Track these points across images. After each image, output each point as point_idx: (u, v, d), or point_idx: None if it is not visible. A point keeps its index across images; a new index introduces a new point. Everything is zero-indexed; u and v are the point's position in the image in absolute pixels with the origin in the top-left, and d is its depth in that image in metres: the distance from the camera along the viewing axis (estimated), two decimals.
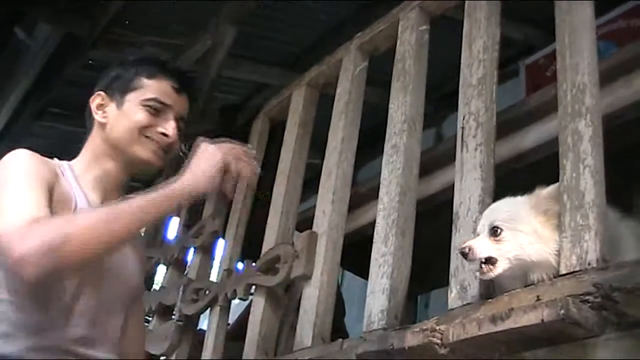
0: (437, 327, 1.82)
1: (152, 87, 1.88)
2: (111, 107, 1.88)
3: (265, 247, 2.96)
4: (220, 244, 3.58)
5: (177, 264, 3.78)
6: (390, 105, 2.58)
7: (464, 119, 2.22)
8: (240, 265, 3.23)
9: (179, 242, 3.82)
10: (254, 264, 2.95)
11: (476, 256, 1.82)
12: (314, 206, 2.87)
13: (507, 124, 2.45)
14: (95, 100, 1.89)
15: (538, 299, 1.69)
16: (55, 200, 1.69)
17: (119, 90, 1.88)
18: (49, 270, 1.49)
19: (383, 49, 2.95)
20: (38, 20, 4.90)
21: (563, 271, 1.71)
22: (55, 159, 1.85)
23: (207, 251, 3.59)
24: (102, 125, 1.88)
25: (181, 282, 3.47)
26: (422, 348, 1.83)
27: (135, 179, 2.10)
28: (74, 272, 1.66)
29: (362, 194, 3.03)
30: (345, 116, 2.85)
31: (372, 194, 2.83)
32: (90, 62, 5.33)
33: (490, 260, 1.81)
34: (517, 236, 1.81)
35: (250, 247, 3.25)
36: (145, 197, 1.65)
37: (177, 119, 1.89)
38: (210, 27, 4.84)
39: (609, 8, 4.07)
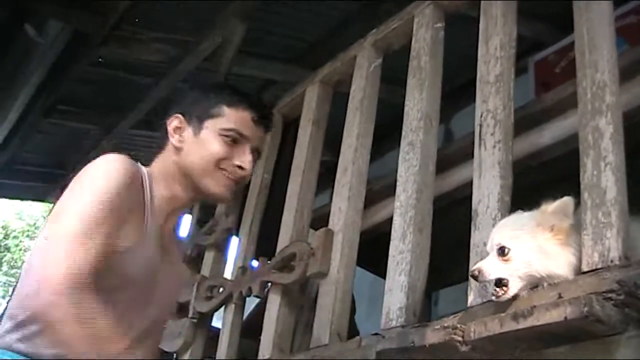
0: (459, 325, 1.82)
1: (232, 117, 1.82)
2: (188, 132, 1.82)
3: (280, 245, 2.96)
4: (234, 241, 3.59)
5: (191, 262, 3.79)
6: (406, 102, 2.58)
7: (481, 116, 2.22)
8: (255, 263, 3.24)
9: (192, 239, 3.83)
10: (269, 261, 2.95)
11: (486, 277, 1.83)
12: (328, 203, 2.88)
13: (523, 122, 2.45)
14: (173, 123, 1.84)
15: (560, 296, 1.70)
16: (127, 224, 1.65)
17: (197, 115, 1.83)
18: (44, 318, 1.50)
19: (397, 46, 2.95)
20: (48, 17, 4.89)
21: (585, 269, 1.72)
22: (139, 165, 1.79)
23: (220, 249, 3.60)
24: (177, 149, 1.82)
25: (195, 279, 3.47)
26: (443, 345, 1.83)
27: None
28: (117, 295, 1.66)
29: (376, 191, 3.03)
30: (360, 113, 2.86)
31: (386, 192, 2.84)
32: (100, 59, 5.33)
33: (501, 282, 1.82)
34: (524, 254, 1.81)
35: (264, 245, 3.25)
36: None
37: (253, 151, 1.84)
38: (219, 23, 4.83)
39: (620, 3, 4.06)
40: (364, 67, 2.96)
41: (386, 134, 3.80)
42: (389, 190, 2.62)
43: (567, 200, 1.80)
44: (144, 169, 1.78)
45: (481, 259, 1.98)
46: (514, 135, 2.19)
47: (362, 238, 2.75)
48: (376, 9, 4.28)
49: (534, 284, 1.82)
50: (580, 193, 1.82)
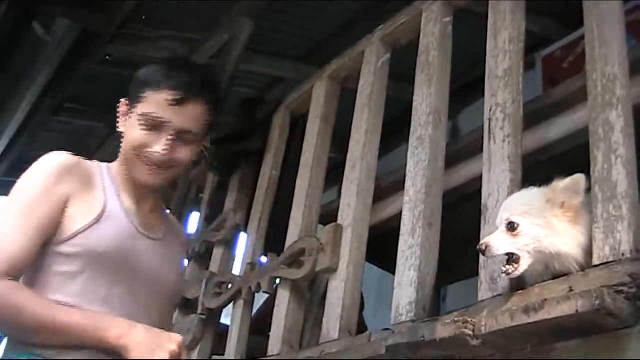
0: (469, 319, 1.82)
1: (151, 100, 1.73)
2: (128, 117, 1.79)
3: (288, 241, 2.96)
4: (243, 237, 3.59)
5: (199, 258, 3.80)
6: (415, 98, 2.58)
7: (490, 110, 2.22)
8: (263, 259, 3.24)
9: (201, 236, 3.83)
10: (277, 257, 2.95)
11: (494, 253, 1.83)
12: (336, 199, 2.88)
13: (532, 116, 2.44)
14: (121, 107, 1.81)
15: (571, 289, 1.69)
16: (76, 206, 1.68)
17: (132, 99, 1.78)
18: None
19: (405, 41, 2.94)
20: (55, 16, 4.90)
21: (596, 262, 1.71)
22: (96, 162, 1.82)
23: (229, 245, 3.60)
24: (122, 135, 1.81)
25: (203, 275, 3.48)
26: (454, 340, 1.83)
27: None
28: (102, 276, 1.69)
29: (384, 187, 3.03)
30: (368, 108, 2.85)
31: (394, 187, 2.84)
32: (107, 57, 5.34)
33: (512, 259, 1.81)
34: (533, 230, 1.81)
35: (273, 241, 3.25)
36: (70, 322, 1.59)
37: (179, 132, 1.74)
38: (226, 21, 4.84)
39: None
40: (372, 62, 2.95)
41: (394, 131, 3.80)
42: (398, 186, 2.62)
43: (578, 178, 1.81)
44: (99, 163, 1.81)
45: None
46: (523, 129, 2.18)
47: (370, 234, 2.75)
48: (383, 6, 4.27)
49: (541, 265, 1.82)
50: (591, 186, 1.82)
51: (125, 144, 1.77)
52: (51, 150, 1.85)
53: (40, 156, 1.88)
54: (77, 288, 1.68)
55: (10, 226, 1.63)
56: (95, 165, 1.80)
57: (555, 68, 4.41)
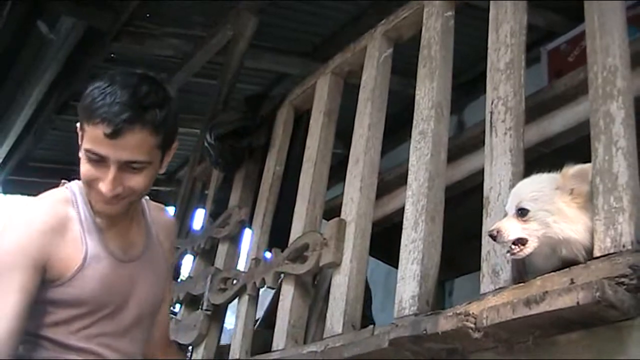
0: (471, 312, 1.82)
1: (89, 134, 1.64)
2: (81, 145, 1.70)
3: (292, 236, 2.97)
4: (247, 233, 3.60)
5: (204, 254, 3.81)
6: (417, 92, 2.57)
7: (492, 103, 2.21)
8: (268, 254, 3.25)
9: (206, 232, 3.84)
10: (282, 252, 2.96)
11: (505, 238, 1.84)
12: (340, 195, 2.88)
13: (535, 109, 2.44)
14: (79, 132, 1.71)
15: (572, 282, 1.69)
16: (59, 259, 1.70)
17: (80, 127, 1.69)
18: None
19: (407, 36, 2.94)
20: (60, 13, 4.92)
21: (597, 254, 1.71)
22: (68, 188, 1.80)
23: (234, 241, 3.61)
24: None
25: (209, 271, 3.49)
26: (456, 332, 1.83)
27: None
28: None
29: (388, 181, 3.03)
30: (371, 103, 2.85)
31: (398, 182, 2.85)
32: (112, 55, 5.36)
33: (520, 241, 1.83)
34: (543, 216, 1.83)
35: (277, 236, 3.26)
36: None
37: (124, 164, 1.66)
38: (231, 18, 4.85)
39: None
40: (374, 57, 2.95)
41: (399, 126, 3.80)
42: (401, 180, 2.62)
43: (588, 166, 1.83)
44: (72, 190, 1.79)
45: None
46: (525, 122, 2.18)
47: (376, 229, 2.76)
48: (388, 2, 4.28)
49: (549, 249, 1.84)
50: (592, 178, 1.82)
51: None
52: (58, 149, 1.86)
53: (47, 154, 1.90)
54: (74, 329, 1.75)
55: None
56: (67, 198, 1.78)
57: (560, 62, 4.41)
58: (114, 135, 1.60)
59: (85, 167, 1.67)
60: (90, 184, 1.70)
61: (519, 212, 1.85)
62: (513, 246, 1.84)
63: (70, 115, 6.02)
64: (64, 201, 1.78)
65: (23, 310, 1.62)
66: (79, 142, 1.69)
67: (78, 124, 1.70)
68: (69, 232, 1.74)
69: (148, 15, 5.06)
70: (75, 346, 1.75)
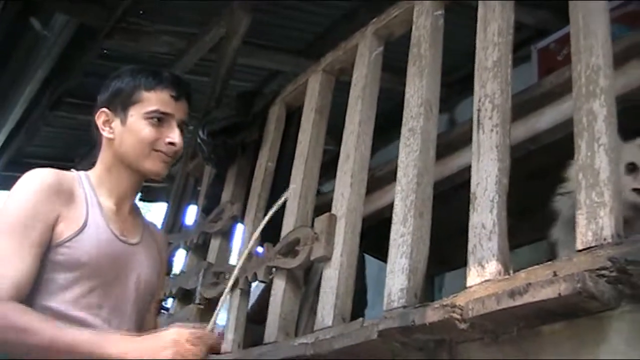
0: (457, 303, 1.88)
1: (152, 99, 1.95)
2: (116, 123, 1.97)
3: (284, 231, 3.01)
4: (239, 228, 3.64)
5: (197, 249, 3.86)
6: (407, 90, 2.62)
7: (479, 101, 2.26)
8: (260, 249, 3.29)
9: (198, 227, 3.89)
10: (273, 247, 3.00)
11: None
12: (332, 190, 2.92)
13: (522, 106, 2.49)
14: (101, 118, 1.99)
15: (555, 274, 1.74)
16: (63, 221, 1.82)
17: (121, 105, 1.97)
18: None
19: (398, 34, 2.98)
20: (54, 11, 4.95)
21: (579, 247, 1.76)
22: (74, 172, 1.97)
23: (226, 236, 3.66)
24: (110, 141, 1.98)
25: (201, 266, 3.53)
26: (443, 324, 1.88)
27: None
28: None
29: (379, 177, 3.08)
30: (362, 100, 2.90)
31: (389, 177, 2.89)
32: (105, 52, 5.40)
33: None
34: None
35: (269, 231, 3.30)
36: (76, 343, 1.70)
37: (180, 125, 1.98)
38: (224, 15, 4.88)
39: None
40: (365, 55, 3.00)
41: (391, 123, 3.85)
42: (391, 176, 2.66)
43: None
44: (78, 172, 1.96)
45: (479, 241, 2.04)
46: (513, 119, 2.23)
47: (368, 225, 2.80)
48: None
49: None
50: (575, 174, 1.87)
51: (132, 143, 1.94)
52: (52, 145, 1.99)
53: (40, 151, 2.02)
54: (70, 297, 1.82)
55: (10, 250, 1.74)
56: (74, 176, 1.94)
57: (550, 60, 4.47)
58: (177, 97, 1.97)
59: (147, 130, 1.93)
60: (154, 143, 1.94)
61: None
62: None
63: (64, 112, 6.06)
64: (69, 176, 1.93)
65: (35, 267, 1.76)
66: (107, 121, 1.97)
67: (110, 105, 1.97)
68: (74, 198, 1.87)
69: (141, 12, 5.10)
70: (75, 316, 1.80)
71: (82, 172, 1.98)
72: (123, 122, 1.95)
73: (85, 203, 1.89)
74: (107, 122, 1.98)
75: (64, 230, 1.82)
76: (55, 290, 1.81)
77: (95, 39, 5.16)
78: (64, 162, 6.34)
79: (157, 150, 1.95)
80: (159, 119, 1.94)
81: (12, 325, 1.66)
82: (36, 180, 1.84)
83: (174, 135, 1.95)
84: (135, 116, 1.94)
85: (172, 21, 5.21)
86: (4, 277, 1.70)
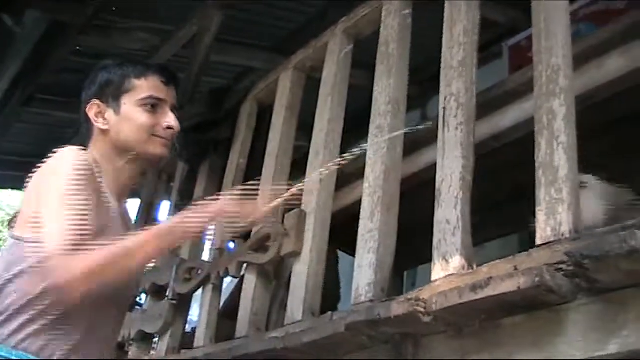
0: (422, 297, 1.93)
1: (143, 86, 1.98)
2: (109, 113, 1.97)
3: (255, 227, 3.04)
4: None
5: None
6: (375, 88, 2.66)
7: (445, 99, 2.31)
8: (231, 245, 3.32)
9: None
10: (244, 242, 3.04)
11: None
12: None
13: (487, 104, 2.55)
14: (92, 110, 1.98)
15: (515, 268, 1.80)
16: (97, 202, 1.83)
17: (112, 95, 1.98)
18: (87, 294, 1.69)
19: (367, 33, 3.03)
20: (26, 7, 4.92)
21: (539, 242, 1.82)
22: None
23: None
24: (105, 132, 1.97)
25: (174, 262, 3.55)
26: (407, 317, 1.93)
27: None
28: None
29: (349, 173, 3.12)
30: (331, 98, 2.94)
31: (358, 174, 2.93)
32: (78, 48, 5.37)
33: None
34: None
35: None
36: (160, 232, 1.81)
37: (172, 110, 2.01)
38: (197, 12, 4.89)
39: None
40: (335, 53, 3.04)
41: (363, 121, 3.88)
42: (361, 173, 2.70)
43: None
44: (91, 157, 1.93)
45: (444, 236, 2.10)
46: (478, 117, 2.28)
47: (341, 221, 2.84)
48: None
49: None
50: (535, 171, 1.92)
51: (130, 131, 1.95)
52: (25, 142, 1.99)
53: (13, 147, 2.02)
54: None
55: (73, 214, 1.74)
56: (91, 160, 1.91)
57: (521, 57, 4.52)
58: (167, 83, 2.01)
59: (144, 117, 1.96)
60: (153, 129, 1.96)
61: None
62: None
63: (37, 108, 6.02)
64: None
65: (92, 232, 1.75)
66: (100, 112, 1.98)
67: (102, 96, 1.98)
68: (98, 182, 1.88)
69: (114, 8, 5.08)
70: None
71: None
72: (117, 111, 1.96)
73: (103, 192, 1.89)
74: (99, 113, 1.98)
75: (93, 220, 1.80)
76: None
77: (68, 35, 5.13)
78: (37, 158, 6.29)
79: (155, 136, 1.97)
80: (153, 105, 1.97)
81: (111, 262, 1.70)
82: (77, 158, 1.84)
83: (171, 120, 1.98)
84: (129, 104, 1.96)
85: (145, 18, 5.20)
86: (80, 226, 1.71)
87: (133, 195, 7.12)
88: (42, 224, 1.74)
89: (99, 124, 1.97)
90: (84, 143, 1.99)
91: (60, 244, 1.66)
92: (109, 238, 1.79)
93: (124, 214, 2.04)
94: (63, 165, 1.82)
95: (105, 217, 1.85)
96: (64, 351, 1.76)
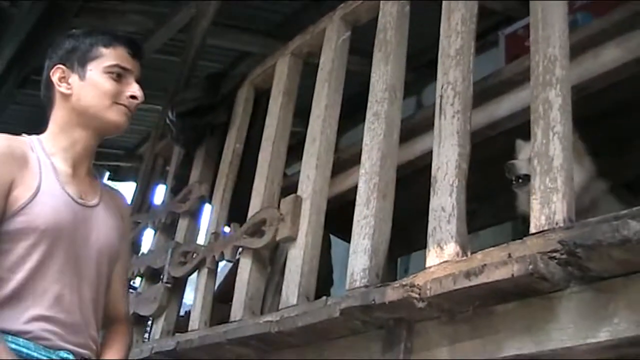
0: (416, 283, 1.95)
1: (111, 55, 1.97)
2: (73, 78, 1.95)
3: (251, 211, 3.07)
4: (207, 208, 3.69)
5: (165, 229, 3.89)
6: (372, 75, 2.68)
7: (442, 88, 2.32)
8: (227, 229, 3.34)
9: (167, 207, 3.92)
10: (240, 227, 3.06)
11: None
12: (298, 172, 2.98)
13: (483, 93, 2.56)
14: (56, 74, 1.97)
15: (509, 256, 1.82)
16: (18, 187, 1.81)
17: (78, 61, 1.96)
18: None
19: (365, 20, 3.03)
20: None
21: (533, 230, 1.84)
22: (25, 136, 1.94)
23: (194, 216, 3.70)
24: (67, 97, 1.96)
25: (169, 245, 3.58)
26: (402, 302, 1.96)
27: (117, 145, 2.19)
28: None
29: (345, 159, 3.14)
30: (328, 84, 2.95)
31: (354, 160, 2.95)
32: (74, 30, 5.36)
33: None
34: None
35: (236, 211, 3.36)
36: None
37: (137, 81, 2.01)
38: None
39: None
40: (332, 39, 3.05)
41: (359, 106, 3.90)
42: (357, 159, 2.72)
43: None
44: (30, 137, 1.94)
45: (439, 224, 2.12)
46: (474, 106, 2.30)
47: (335, 207, 2.87)
48: None
49: None
50: (530, 160, 1.95)
51: (92, 97, 1.95)
52: (20, 123, 1.97)
53: (7, 129, 2.00)
54: (31, 265, 1.81)
55: None
56: (25, 140, 1.93)
57: (518, 46, 4.52)
58: (134, 54, 2.01)
59: (108, 83, 1.96)
60: (117, 97, 1.97)
61: None
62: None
63: (31, 90, 6.02)
64: (21, 141, 1.92)
65: None
66: (63, 77, 1.96)
67: (67, 62, 1.97)
68: (27, 163, 1.86)
69: None
70: (37, 285, 1.80)
71: (33, 137, 1.95)
72: (82, 77, 1.95)
73: (38, 167, 1.87)
74: (63, 78, 1.96)
75: (19, 197, 1.81)
76: (17, 260, 1.80)
77: (65, 17, 5.12)
78: None
79: (118, 104, 1.96)
80: (119, 75, 1.97)
81: None
82: None
83: (135, 88, 1.99)
84: (95, 70, 1.95)
85: (141, 1, 5.20)
86: None
87: (128, 178, 7.14)
88: None
89: (61, 88, 1.96)
90: None
91: None
92: (41, 204, 1.82)
93: (83, 179, 1.99)
94: None
95: (32, 188, 1.83)
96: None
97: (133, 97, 1.98)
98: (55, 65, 1.98)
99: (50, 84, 1.98)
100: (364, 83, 2.77)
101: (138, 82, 2.02)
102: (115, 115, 1.96)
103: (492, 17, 4.93)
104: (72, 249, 1.87)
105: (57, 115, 1.97)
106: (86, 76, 1.95)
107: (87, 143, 1.98)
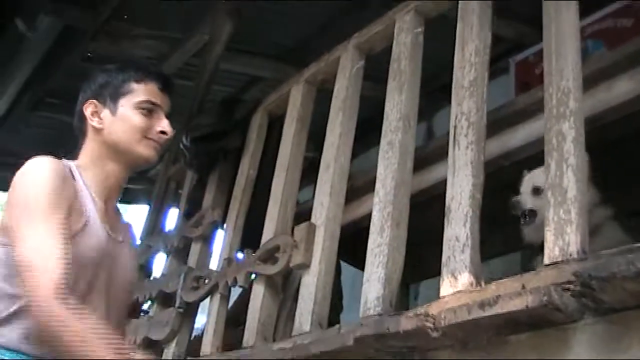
0: (430, 313, 1.97)
1: (142, 91, 2.02)
2: (105, 113, 2.00)
3: (264, 237, 3.08)
4: (220, 233, 3.71)
5: (178, 253, 3.91)
6: (386, 104, 2.70)
7: (456, 118, 2.35)
8: (240, 255, 3.36)
9: (179, 231, 3.94)
10: (253, 253, 3.08)
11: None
12: (311, 199, 3.00)
13: (497, 123, 2.59)
14: (89, 108, 2.02)
15: (523, 287, 1.84)
16: (72, 213, 1.83)
17: (110, 96, 2.01)
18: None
19: (379, 49, 3.07)
20: (39, 12, 4.98)
21: (547, 262, 1.86)
22: (64, 160, 1.96)
23: (207, 241, 3.72)
24: (99, 131, 2.00)
25: (182, 270, 3.59)
26: (416, 332, 1.97)
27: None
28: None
29: (358, 187, 3.16)
30: (342, 112, 2.98)
31: (367, 187, 2.97)
32: (89, 54, 5.42)
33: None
34: None
35: (249, 237, 3.37)
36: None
37: (166, 117, 2.05)
38: (207, 21, 4.94)
39: (598, 7, 4.19)
40: (347, 68, 3.08)
41: (370, 130, 3.93)
42: (370, 187, 2.74)
43: None
44: (69, 163, 1.96)
45: (453, 253, 2.14)
46: (488, 136, 2.32)
47: (345, 233, 2.88)
48: (363, 7, 4.38)
49: None
50: (544, 192, 1.96)
51: (123, 132, 1.99)
52: (33, 145, 2.00)
53: (22, 151, 2.04)
54: (79, 294, 1.80)
55: (47, 240, 1.74)
56: (66, 166, 1.93)
57: (528, 73, 4.55)
58: (164, 89, 2.06)
59: (138, 118, 2.00)
60: (146, 131, 2.01)
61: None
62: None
63: (46, 112, 6.09)
64: (65, 165, 1.93)
65: (70, 252, 1.75)
66: (96, 112, 2.00)
67: (98, 97, 2.01)
68: (76, 191, 1.89)
69: (125, 16, 5.13)
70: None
71: (71, 163, 1.97)
72: (113, 112, 2.00)
73: (83, 197, 1.91)
74: (95, 112, 2.01)
75: (72, 223, 1.83)
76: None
77: (80, 41, 5.19)
78: None
79: (148, 138, 2.00)
80: (149, 110, 2.01)
81: (70, 330, 1.66)
82: (47, 167, 1.84)
83: (165, 124, 2.03)
84: (126, 106, 2.00)
85: (156, 26, 5.25)
86: (54, 268, 1.70)
87: (138, 201, 7.17)
88: (24, 245, 1.74)
89: (93, 122, 2.00)
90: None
91: (50, 290, 1.67)
92: (89, 236, 1.84)
93: (112, 214, 2.04)
94: (37, 178, 1.82)
95: (83, 218, 1.86)
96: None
97: (163, 132, 2.02)
98: (88, 99, 2.02)
99: (82, 117, 2.03)
100: (376, 108, 2.79)
101: (167, 117, 2.06)
102: (145, 150, 2.01)
103: (503, 44, 4.95)
104: (106, 282, 1.92)
105: (89, 148, 2.02)
106: (118, 112, 2.00)
107: (118, 176, 2.03)
